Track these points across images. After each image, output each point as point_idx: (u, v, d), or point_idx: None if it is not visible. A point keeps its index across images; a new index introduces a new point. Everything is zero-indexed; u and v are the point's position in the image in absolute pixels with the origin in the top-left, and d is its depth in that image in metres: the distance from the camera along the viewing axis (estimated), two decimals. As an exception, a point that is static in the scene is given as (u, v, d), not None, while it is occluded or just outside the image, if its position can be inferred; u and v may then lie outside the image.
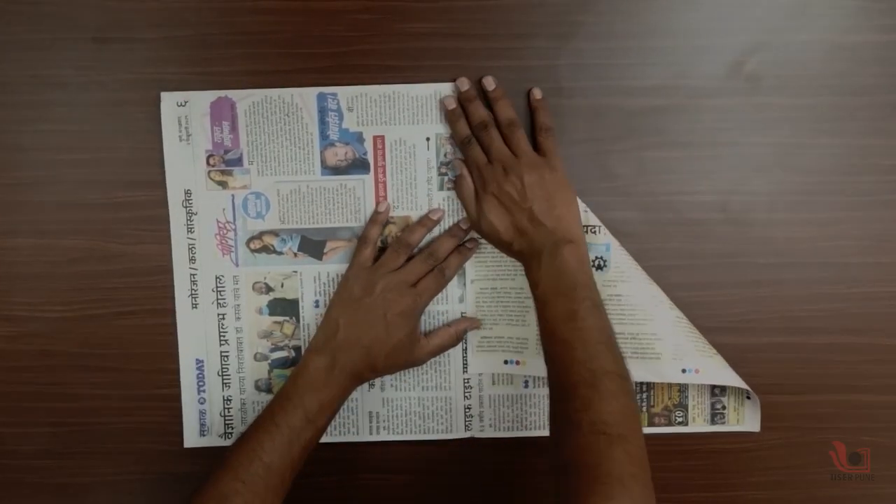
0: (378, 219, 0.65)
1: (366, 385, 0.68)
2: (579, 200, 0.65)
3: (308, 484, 0.62)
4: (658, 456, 0.68)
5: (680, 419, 0.69)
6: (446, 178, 0.66)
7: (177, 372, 0.68)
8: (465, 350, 0.68)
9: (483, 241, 0.66)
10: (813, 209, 0.67)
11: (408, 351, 0.63)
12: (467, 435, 0.69)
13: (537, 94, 0.65)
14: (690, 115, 0.66)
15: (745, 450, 0.69)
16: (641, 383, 0.68)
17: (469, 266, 0.67)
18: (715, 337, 0.67)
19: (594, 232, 0.66)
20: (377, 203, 0.66)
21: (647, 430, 0.69)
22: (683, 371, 0.66)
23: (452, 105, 0.64)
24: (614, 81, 0.65)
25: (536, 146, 0.64)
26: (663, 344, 0.65)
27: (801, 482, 0.69)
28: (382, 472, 0.69)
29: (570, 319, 0.56)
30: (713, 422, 0.69)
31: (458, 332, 0.66)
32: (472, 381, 0.68)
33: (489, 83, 0.64)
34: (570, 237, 0.60)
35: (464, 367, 0.68)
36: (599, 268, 0.66)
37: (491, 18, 0.65)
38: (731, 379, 0.66)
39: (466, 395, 0.68)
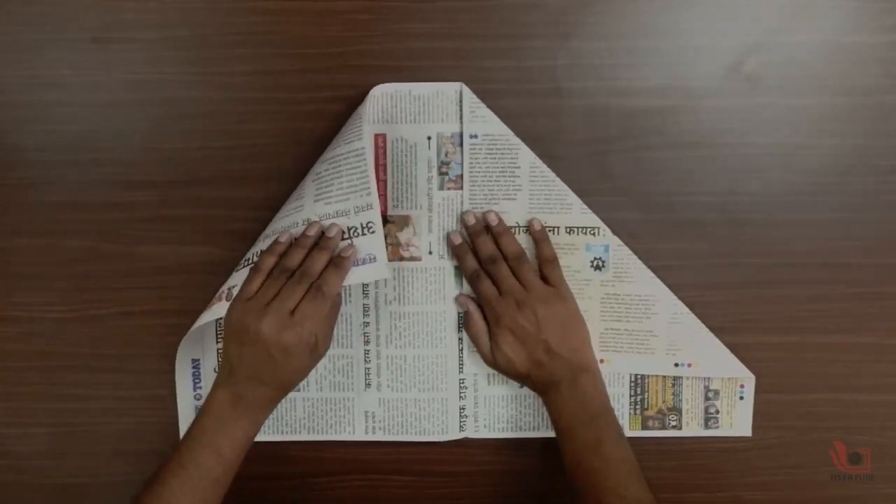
0: (276, 249, 0.61)
1: (362, 385, 0.68)
2: (579, 200, 0.66)
3: (302, 485, 0.62)
4: (656, 456, 0.69)
5: (674, 423, 0.69)
6: (446, 178, 0.66)
7: (175, 372, 0.68)
8: (461, 350, 0.68)
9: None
10: (813, 209, 0.67)
11: (309, 365, 0.60)
12: (462, 436, 0.69)
13: (537, 225, 0.65)
14: (690, 116, 0.66)
15: (745, 449, 0.69)
16: (635, 385, 0.68)
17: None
18: (714, 336, 0.67)
19: (593, 234, 0.66)
20: (280, 234, 0.62)
21: (640, 433, 0.69)
22: (676, 365, 0.67)
23: (459, 240, 0.65)
24: (613, 81, 0.65)
25: (543, 278, 0.64)
26: (658, 340, 0.66)
27: (801, 482, 0.69)
28: (378, 473, 0.69)
29: (596, 449, 0.58)
30: (707, 426, 0.69)
31: (337, 303, 0.61)
32: (467, 381, 0.68)
33: (493, 219, 0.65)
34: (585, 366, 0.62)
35: (459, 368, 0.68)
36: (598, 268, 0.66)
37: (491, 18, 0.65)
38: (726, 371, 0.67)
39: (462, 395, 0.68)
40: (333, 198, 0.62)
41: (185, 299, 0.67)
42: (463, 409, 0.69)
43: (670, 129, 0.66)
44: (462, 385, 0.68)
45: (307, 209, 0.63)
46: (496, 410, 0.69)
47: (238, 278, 0.63)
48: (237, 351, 0.58)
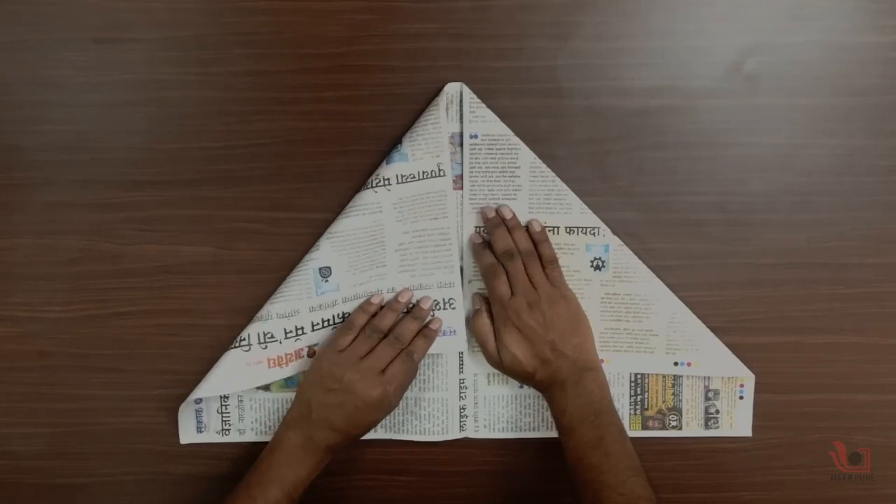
0: (369, 309, 0.65)
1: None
2: (579, 200, 0.66)
3: (306, 489, 0.62)
4: (656, 455, 0.69)
5: (674, 423, 0.69)
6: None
7: (176, 372, 0.68)
8: (460, 350, 0.68)
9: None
10: (813, 209, 0.67)
11: (380, 420, 0.64)
12: (462, 436, 0.69)
13: (536, 226, 0.65)
14: (690, 116, 0.66)
15: (745, 449, 0.69)
16: (635, 385, 0.68)
17: (467, 266, 0.67)
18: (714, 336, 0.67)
19: (593, 234, 0.66)
20: (372, 295, 0.66)
21: (640, 433, 0.69)
22: (676, 364, 0.67)
23: (479, 240, 0.66)
24: (613, 82, 0.65)
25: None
26: (658, 339, 0.66)
27: (801, 482, 0.69)
28: (377, 473, 0.69)
29: (598, 446, 0.59)
30: (707, 426, 0.69)
31: (418, 364, 0.66)
32: (467, 381, 0.68)
33: (506, 213, 0.65)
34: (590, 365, 0.63)
35: (459, 368, 0.68)
36: (598, 268, 0.66)
37: (491, 18, 0.65)
38: (726, 370, 0.67)
39: (462, 395, 0.68)
40: (418, 271, 0.66)
41: (185, 299, 0.67)
42: (463, 409, 0.69)
43: (670, 129, 0.66)
44: (462, 385, 0.68)
45: (391, 278, 0.67)
46: (496, 410, 0.69)
47: (268, 326, 0.65)
48: (321, 397, 0.62)
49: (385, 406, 0.63)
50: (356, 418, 0.62)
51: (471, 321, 0.66)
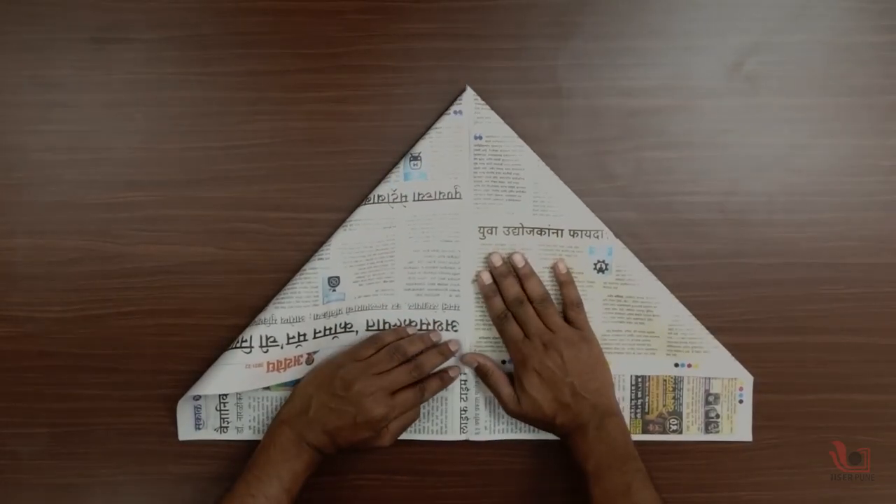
0: (400, 332, 0.66)
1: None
2: (582, 203, 0.66)
3: (302, 485, 0.62)
4: (656, 456, 0.68)
5: (674, 427, 0.69)
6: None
7: (176, 372, 0.68)
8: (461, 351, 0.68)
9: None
10: (813, 209, 0.67)
11: (369, 443, 0.63)
12: (462, 438, 0.69)
13: (562, 268, 0.65)
14: (690, 116, 0.66)
15: (745, 449, 0.69)
16: (636, 389, 0.68)
17: (469, 265, 0.67)
18: (714, 337, 0.67)
19: (596, 236, 0.66)
20: (409, 324, 0.67)
21: (640, 437, 0.69)
22: (676, 365, 0.67)
23: (489, 280, 0.65)
24: (613, 82, 0.65)
25: (568, 321, 0.64)
26: (659, 341, 0.66)
27: (801, 482, 0.69)
28: (377, 473, 0.69)
29: (626, 493, 0.58)
30: (707, 430, 0.69)
31: (418, 414, 0.66)
32: (468, 382, 0.68)
33: (519, 261, 0.65)
34: (611, 410, 0.62)
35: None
36: (601, 271, 0.66)
37: (491, 18, 0.65)
38: (726, 371, 0.67)
39: (462, 396, 0.68)
40: (424, 291, 0.67)
41: (185, 299, 0.67)
42: (464, 410, 0.68)
43: (670, 129, 0.66)
44: (463, 386, 0.68)
45: (397, 295, 0.67)
46: (497, 411, 0.69)
47: (254, 331, 0.65)
48: (324, 398, 0.62)
49: (379, 430, 0.62)
50: (349, 431, 0.62)
51: (482, 377, 0.66)
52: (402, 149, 0.66)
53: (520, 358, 0.63)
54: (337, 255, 0.65)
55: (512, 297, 0.64)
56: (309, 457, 0.62)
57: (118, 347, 0.68)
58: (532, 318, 0.63)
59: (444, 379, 0.66)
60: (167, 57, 0.65)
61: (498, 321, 0.65)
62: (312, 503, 0.67)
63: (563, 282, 0.65)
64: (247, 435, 0.69)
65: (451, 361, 0.67)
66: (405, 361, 0.64)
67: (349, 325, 0.67)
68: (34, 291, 0.67)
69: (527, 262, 0.65)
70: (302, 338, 0.66)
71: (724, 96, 0.66)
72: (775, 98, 0.66)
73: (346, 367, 0.63)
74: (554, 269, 0.66)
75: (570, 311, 0.65)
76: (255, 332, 0.65)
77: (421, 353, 0.65)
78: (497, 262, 0.65)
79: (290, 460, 0.61)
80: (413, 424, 0.68)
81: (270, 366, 0.65)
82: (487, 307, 0.66)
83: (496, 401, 0.68)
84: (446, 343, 0.66)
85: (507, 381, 0.64)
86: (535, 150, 0.65)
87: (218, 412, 0.68)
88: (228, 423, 0.68)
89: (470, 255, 0.67)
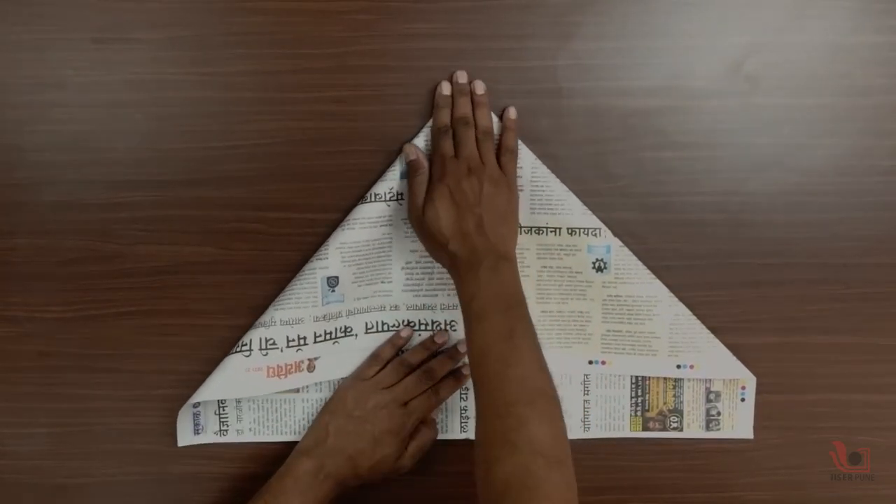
0: (397, 342, 0.66)
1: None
2: (580, 202, 0.66)
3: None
4: (655, 456, 0.69)
5: (675, 425, 0.69)
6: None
7: (176, 372, 0.68)
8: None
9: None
10: (813, 209, 0.67)
11: (392, 463, 0.64)
12: (462, 437, 0.69)
13: (512, 114, 0.64)
14: (690, 116, 0.66)
15: (745, 450, 0.69)
16: (636, 387, 0.68)
17: None
18: (715, 337, 0.67)
19: (595, 235, 0.66)
20: (401, 328, 0.67)
21: (641, 434, 0.69)
22: (678, 367, 0.67)
23: (448, 90, 0.64)
24: (614, 82, 0.65)
25: (499, 164, 0.63)
26: (660, 342, 0.66)
27: (801, 482, 0.69)
28: (382, 473, 0.69)
29: (508, 337, 0.55)
30: (708, 428, 0.69)
31: (432, 429, 0.67)
32: (468, 382, 0.68)
33: (479, 87, 0.64)
34: (508, 255, 0.59)
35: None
36: (600, 270, 0.66)
37: (491, 18, 0.65)
38: (728, 372, 0.67)
39: (462, 396, 0.68)
40: (423, 291, 0.67)
41: (184, 299, 0.67)
42: (464, 410, 0.68)
43: (670, 129, 0.66)
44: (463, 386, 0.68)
45: (395, 296, 0.67)
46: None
47: (254, 335, 0.65)
48: (341, 423, 0.63)
49: (401, 442, 0.63)
50: (369, 451, 0.62)
51: (409, 172, 0.63)
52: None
53: (440, 172, 0.61)
54: (335, 254, 0.65)
55: (460, 114, 0.63)
56: (325, 491, 0.62)
57: (118, 347, 0.68)
58: (470, 140, 0.62)
59: (459, 378, 0.66)
60: (167, 57, 0.65)
61: (437, 133, 0.63)
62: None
63: (507, 127, 0.64)
64: (247, 437, 0.69)
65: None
66: (412, 371, 0.64)
67: (349, 329, 0.67)
68: (34, 291, 0.68)
69: (485, 93, 0.64)
70: (302, 341, 0.65)
71: (724, 96, 0.66)
72: (775, 98, 0.66)
73: (355, 388, 0.64)
74: (503, 112, 0.64)
75: (504, 155, 0.63)
76: (255, 336, 0.65)
77: (425, 360, 0.65)
78: (462, 78, 0.64)
79: (303, 493, 0.61)
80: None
81: (270, 370, 0.65)
82: (434, 117, 0.64)
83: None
84: (455, 347, 0.66)
85: (425, 191, 0.62)
86: (534, 150, 0.65)
87: (217, 416, 0.68)
88: (228, 425, 0.68)
89: None
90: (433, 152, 0.64)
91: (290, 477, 0.61)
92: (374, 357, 0.66)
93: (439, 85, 0.64)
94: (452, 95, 0.64)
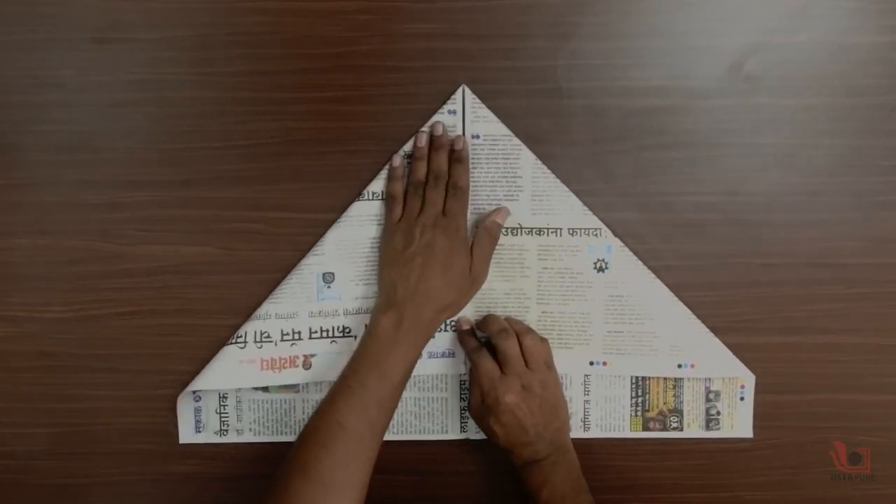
0: (397, 174, 0.65)
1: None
2: (580, 202, 0.66)
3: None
4: (655, 456, 0.69)
5: (675, 424, 0.69)
6: None
7: (176, 372, 0.68)
8: (461, 372, 0.68)
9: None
10: (813, 209, 0.67)
11: (468, 275, 0.63)
12: (463, 436, 0.69)
13: (459, 144, 0.64)
14: (690, 116, 0.66)
15: (745, 450, 0.69)
16: (636, 387, 0.68)
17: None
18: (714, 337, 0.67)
19: (596, 235, 0.66)
20: (392, 159, 0.65)
21: (641, 434, 0.69)
22: (679, 366, 0.67)
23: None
24: (614, 82, 0.65)
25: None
26: (661, 341, 0.66)
27: (801, 482, 0.69)
28: (377, 473, 0.68)
29: None
30: (708, 427, 0.69)
31: (491, 230, 0.64)
32: (468, 382, 0.68)
33: (459, 141, 0.64)
34: (567, 447, 0.64)
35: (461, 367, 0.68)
36: (601, 270, 0.66)
37: (491, 18, 0.65)
38: (727, 371, 0.67)
39: (462, 396, 0.68)
40: None
41: (184, 299, 0.67)
42: (464, 410, 0.68)
43: (670, 129, 0.66)
44: (463, 386, 0.68)
45: None
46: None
47: (250, 326, 0.65)
48: (399, 268, 0.61)
49: (465, 244, 0.62)
50: (442, 276, 0.61)
51: (471, 363, 0.65)
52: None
53: (493, 395, 0.62)
54: (332, 250, 0.65)
55: (419, 176, 0.64)
56: (411, 341, 0.60)
57: (118, 347, 0.68)
58: (439, 196, 0.62)
59: (460, 158, 0.64)
60: (167, 57, 0.65)
61: (472, 353, 0.64)
62: (312, 503, 0.67)
63: (456, 160, 0.64)
64: (247, 438, 0.69)
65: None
66: (426, 185, 0.63)
67: (348, 330, 0.67)
68: (34, 291, 0.68)
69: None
70: (296, 335, 0.66)
71: (724, 96, 0.66)
72: (775, 98, 0.66)
73: (395, 232, 0.63)
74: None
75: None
76: (250, 328, 0.65)
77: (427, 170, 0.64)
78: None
79: (388, 349, 0.60)
80: (413, 425, 0.68)
81: (264, 363, 0.65)
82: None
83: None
84: (436, 136, 0.64)
85: (494, 381, 0.63)
86: (535, 150, 0.65)
87: (218, 415, 0.68)
88: (228, 425, 0.68)
89: None
90: (476, 373, 0.64)
91: (371, 340, 0.60)
92: (391, 199, 0.64)
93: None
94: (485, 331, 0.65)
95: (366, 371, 0.59)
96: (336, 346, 0.66)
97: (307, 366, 0.66)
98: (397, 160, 0.65)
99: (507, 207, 0.65)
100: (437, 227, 0.61)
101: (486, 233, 0.64)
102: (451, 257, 0.61)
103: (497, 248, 0.66)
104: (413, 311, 0.60)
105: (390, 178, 0.65)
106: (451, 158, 0.64)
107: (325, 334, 0.66)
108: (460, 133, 0.65)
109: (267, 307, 0.66)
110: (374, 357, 0.59)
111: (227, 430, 0.68)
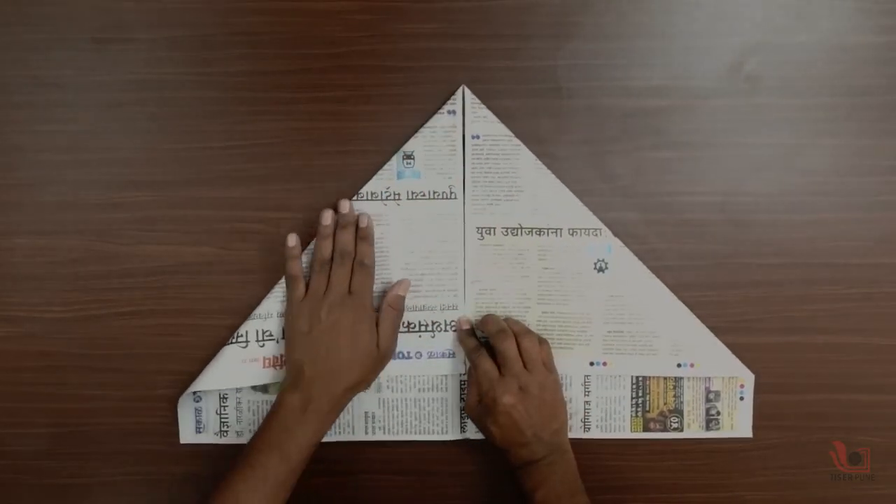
0: (294, 253, 0.64)
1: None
2: (580, 202, 0.66)
3: (302, 484, 0.62)
4: (656, 456, 0.69)
5: (675, 425, 0.69)
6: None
7: (176, 372, 0.68)
8: (460, 372, 0.68)
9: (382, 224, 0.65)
10: (813, 209, 0.67)
11: (375, 351, 0.62)
12: (462, 436, 0.69)
13: (363, 222, 0.64)
14: (690, 116, 0.66)
15: (745, 449, 0.69)
16: (636, 388, 0.68)
17: (469, 266, 0.67)
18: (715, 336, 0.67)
19: (595, 235, 0.66)
20: (288, 239, 0.64)
21: (642, 435, 0.69)
22: (679, 366, 0.67)
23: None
24: (613, 82, 0.65)
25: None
26: (661, 341, 0.66)
27: (801, 482, 0.69)
28: (377, 473, 0.69)
29: None
30: (708, 428, 0.69)
31: (395, 304, 0.65)
32: (467, 382, 0.68)
33: (363, 219, 0.64)
34: (564, 447, 0.64)
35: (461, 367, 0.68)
36: (601, 270, 0.66)
37: (490, 19, 0.65)
38: (727, 370, 0.67)
39: (462, 396, 0.68)
40: (422, 292, 0.67)
41: (184, 299, 0.67)
42: (464, 409, 0.68)
43: (670, 129, 0.66)
44: (463, 385, 0.68)
45: None
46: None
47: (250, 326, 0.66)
48: (306, 348, 0.61)
49: (371, 322, 0.62)
50: (349, 353, 0.61)
51: (470, 361, 0.65)
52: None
53: (491, 396, 0.62)
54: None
55: (325, 253, 0.63)
56: (315, 424, 0.60)
57: (118, 347, 0.68)
58: (514, 353, 0.62)
59: (364, 235, 0.64)
60: (167, 57, 0.65)
61: (471, 353, 0.65)
62: (313, 503, 0.67)
63: (361, 237, 0.64)
64: (247, 438, 0.68)
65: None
66: (330, 263, 0.63)
67: None
68: (34, 291, 0.68)
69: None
70: None
71: (724, 96, 0.66)
72: (775, 98, 0.66)
73: (299, 312, 0.62)
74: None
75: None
76: (251, 327, 0.65)
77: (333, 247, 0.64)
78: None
79: (292, 431, 0.59)
80: (413, 425, 0.68)
81: (267, 361, 0.66)
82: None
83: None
84: (342, 215, 0.64)
85: (494, 382, 0.63)
86: (535, 151, 0.65)
87: (218, 416, 0.68)
88: (228, 426, 0.68)
89: (468, 256, 0.67)
90: (476, 373, 0.64)
91: (275, 420, 0.60)
92: (292, 279, 0.64)
93: (459, 321, 0.66)
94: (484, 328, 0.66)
95: (267, 452, 0.59)
96: None
97: None
98: (293, 239, 0.64)
99: (407, 280, 0.66)
100: (343, 305, 0.62)
101: (390, 308, 0.64)
102: (358, 336, 0.62)
103: (497, 247, 0.66)
104: (322, 391, 0.60)
105: (289, 258, 0.64)
106: (356, 236, 0.64)
107: None
108: (364, 213, 0.65)
109: (267, 306, 0.66)
110: (277, 438, 0.59)
111: (227, 431, 0.68)
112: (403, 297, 0.65)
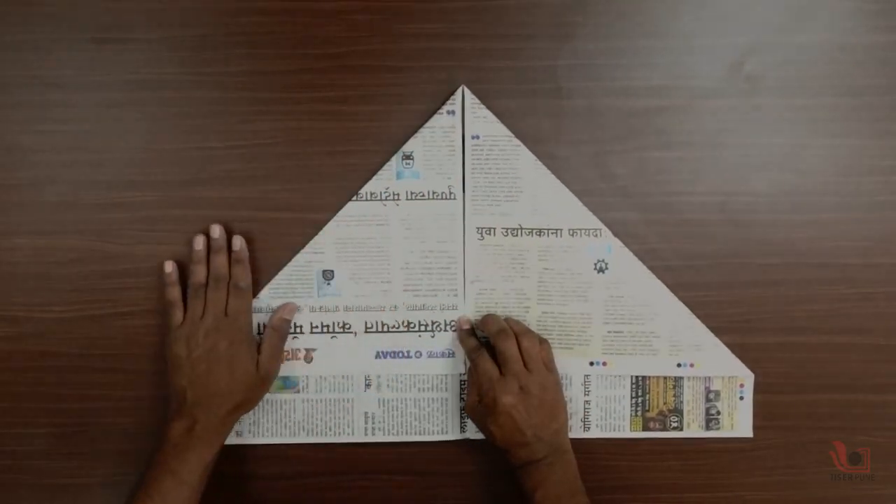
0: (171, 279, 0.65)
1: (362, 386, 0.68)
2: (580, 202, 0.66)
3: (302, 485, 0.62)
4: (655, 456, 0.69)
5: (675, 424, 0.69)
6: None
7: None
8: (460, 372, 0.68)
9: None
10: (813, 209, 0.67)
11: (255, 372, 0.63)
12: (462, 436, 0.69)
13: (237, 245, 0.65)
14: (690, 116, 0.66)
15: (745, 449, 0.69)
16: (636, 387, 0.68)
17: (469, 266, 0.67)
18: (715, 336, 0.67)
19: (596, 235, 0.66)
20: (164, 265, 0.65)
21: (641, 434, 0.69)
22: (679, 365, 0.67)
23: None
24: (614, 82, 0.65)
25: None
26: (661, 341, 0.66)
27: (801, 482, 0.69)
28: (377, 473, 0.69)
29: None
30: (708, 427, 0.69)
31: (278, 327, 0.65)
32: (467, 381, 0.68)
33: (236, 242, 0.65)
34: (565, 447, 0.63)
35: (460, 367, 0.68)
36: (601, 270, 0.66)
37: (490, 19, 0.65)
38: (727, 369, 0.67)
39: (462, 395, 0.68)
40: (422, 292, 0.67)
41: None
42: (464, 409, 0.68)
43: (670, 129, 0.66)
44: (463, 385, 0.68)
45: (394, 295, 0.67)
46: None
47: None
48: (189, 375, 0.61)
49: (250, 343, 0.63)
50: (229, 375, 0.61)
51: (470, 361, 0.65)
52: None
53: (491, 396, 0.62)
54: (331, 249, 0.66)
55: (496, 328, 0.64)
56: (204, 445, 0.61)
57: (118, 347, 0.68)
58: (515, 352, 0.63)
59: (239, 258, 0.65)
60: (167, 57, 0.65)
61: (472, 353, 0.65)
62: (312, 502, 0.68)
63: (236, 260, 0.65)
64: (247, 439, 0.69)
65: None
66: (206, 287, 0.64)
67: (348, 326, 0.67)
68: (34, 291, 0.67)
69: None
70: (298, 329, 0.66)
71: (724, 96, 0.66)
72: (775, 98, 0.66)
73: (178, 337, 0.63)
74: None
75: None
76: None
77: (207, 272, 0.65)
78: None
79: (181, 453, 0.60)
80: (413, 425, 0.68)
81: None
82: (462, 343, 0.66)
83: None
84: (213, 239, 0.65)
85: (494, 380, 0.63)
86: (535, 151, 0.65)
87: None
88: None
89: (468, 256, 0.67)
90: (476, 372, 0.64)
91: (165, 446, 0.60)
92: (170, 304, 0.64)
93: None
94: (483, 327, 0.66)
95: (163, 479, 0.59)
96: (336, 340, 0.67)
97: (309, 360, 0.67)
98: (169, 266, 0.65)
99: (293, 303, 0.66)
100: (219, 329, 0.62)
101: (274, 331, 0.65)
102: (235, 359, 0.62)
103: (497, 248, 0.66)
104: (205, 415, 0.61)
105: (166, 285, 0.65)
106: (230, 259, 0.65)
107: (325, 329, 0.67)
108: (237, 235, 0.65)
109: (268, 301, 0.66)
110: (170, 465, 0.60)
111: (226, 431, 0.68)
112: (288, 321, 0.66)
